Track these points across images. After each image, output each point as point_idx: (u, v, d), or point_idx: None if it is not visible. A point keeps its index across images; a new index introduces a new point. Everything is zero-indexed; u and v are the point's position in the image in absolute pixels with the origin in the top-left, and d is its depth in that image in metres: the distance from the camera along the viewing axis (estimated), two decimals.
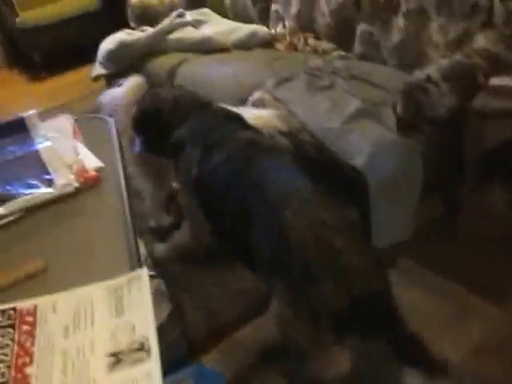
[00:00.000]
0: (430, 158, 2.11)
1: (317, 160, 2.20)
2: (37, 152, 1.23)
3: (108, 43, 3.34)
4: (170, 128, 2.02)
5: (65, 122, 1.38)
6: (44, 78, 4.52)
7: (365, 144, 2.08)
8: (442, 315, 1.98)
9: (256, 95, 2.61)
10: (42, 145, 1.25)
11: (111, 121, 1.41)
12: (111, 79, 3.40)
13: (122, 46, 3.25)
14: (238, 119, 2.04)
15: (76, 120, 1.40)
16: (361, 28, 2.80)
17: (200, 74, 2.97)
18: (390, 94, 2.35)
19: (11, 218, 1.06)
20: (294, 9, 3.18)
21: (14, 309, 0.84)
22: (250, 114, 2.22)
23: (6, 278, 0.91)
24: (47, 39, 4.47)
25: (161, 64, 3.21)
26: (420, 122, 2.07)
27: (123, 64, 3.29)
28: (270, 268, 1.52)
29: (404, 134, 2.11)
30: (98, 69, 3.45)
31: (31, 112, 1.40)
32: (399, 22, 2.57)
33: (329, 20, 2.97)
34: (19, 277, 0.91)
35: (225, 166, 1.78)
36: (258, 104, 2.53)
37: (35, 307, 0.84)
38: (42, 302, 0.85)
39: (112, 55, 3.28)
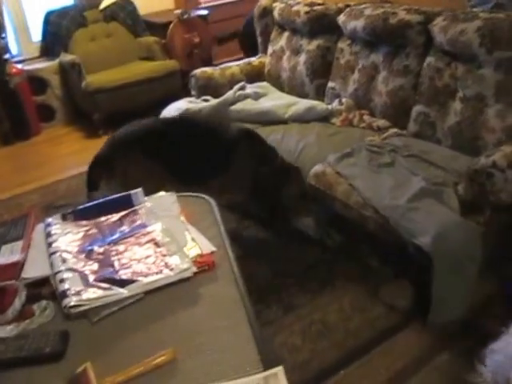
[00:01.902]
0: (489, 238, 2.16)
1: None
2: (149, 232, 1.33)
3: (173, 110, 3.51)
4: None
5: (169, 199, 1.48)
6: (100, 135, 4.73)
7: (430, 224, 2.14)
8: None
9: (318, 168, 2.73)
10: (153, 225, 1.35)
11: (212, 200, 1.49)
12: None
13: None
14: None
15: (178, 198, 1.48)
16: (417, 109, 2.91)
17: None
18: (449, 174, 2.44)
19: (132, 300, 1.14)
20: (351, 87, 3.33)
21: None
22: None
23: (138, 368, 0.96)
24: (108, 100, 4.69)
25: None
26: (483, 206, 2.12)
27: None
28: None
29: (466, 215, 2.17)
30: None
31: (137, 190, 1.49)
32: (456, 105, 2.67)
33: (385, 99, 3.09)
34: (151, 367, 0.96)
35: None
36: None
37: None
38: None
39: None
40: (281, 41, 3.92)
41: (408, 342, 2.22)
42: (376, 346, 2.22)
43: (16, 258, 1.27)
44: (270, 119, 3.36)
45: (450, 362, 2.11)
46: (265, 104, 3.51)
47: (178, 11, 5.29)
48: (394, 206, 2.30)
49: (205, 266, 1.20)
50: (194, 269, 1.18)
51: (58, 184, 3.99)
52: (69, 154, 4.59)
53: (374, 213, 2.36)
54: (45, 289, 1.20)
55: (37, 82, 4.93)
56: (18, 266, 1.25)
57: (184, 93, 4.12)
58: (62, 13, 5.04)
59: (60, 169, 4.27)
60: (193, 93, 3.91)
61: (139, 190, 1.48)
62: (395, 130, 3.02)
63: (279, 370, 0.90)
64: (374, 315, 2.36)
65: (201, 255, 1.22)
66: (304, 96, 3.64)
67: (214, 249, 1.24)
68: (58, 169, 4.27)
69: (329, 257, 2.74)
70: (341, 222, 2.63)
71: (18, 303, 1.13)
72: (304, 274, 2.68)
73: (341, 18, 3.35)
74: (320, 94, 3.59)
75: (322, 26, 3.53)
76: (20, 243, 1.33)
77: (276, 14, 3.91)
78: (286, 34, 3.88)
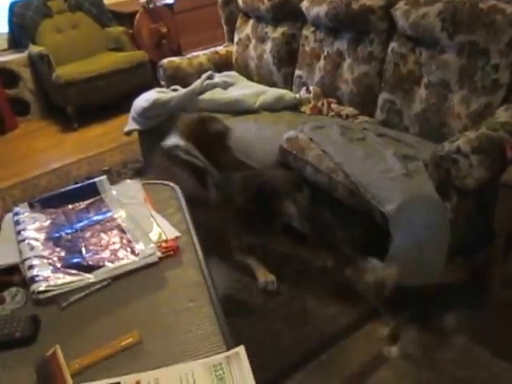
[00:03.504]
0: (457, 225, 2.20)
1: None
2: (115, 219, 1.36)
3: (142, 101, 3.51)
4: None
5: (134, 187, 1.50)
6: (75, 129, 4.73)
7: (397, 192, 2.19)
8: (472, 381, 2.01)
9: (292, 133, 2.77)
10: (118, 212, 1.38)
11: (178, 187, 1.52)
12: (143, 134, 3.59)
13: (156, 104, 3.42)
14: None
15: (143, 185, 1.51)
16: (383, 96, 2.95)
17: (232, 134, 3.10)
18: (420, 151, 2.48)
19: (99, 286, 1.17)
20: (317, 75, 3.37)
21: (118, 383, 0.90)
22: None
23: (106, 350, 0.99)
24: (79, 93, 4.66)
25: None
26: (449, 192, 2.16)
27: (156, 121, 3.46)
28: None
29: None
30: (131, 124, 3.62)
31: (102, 177, 1.51)
32: (421, 92, 2.71)
33: (351, 87, 3.14)
34: (117, 349, 0.99)
35: None
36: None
37: (138, 383, 0.90)
38: (145, 377, 0.90)
39: (146, 112, 3.45)
40: (246, 29, 3.92)
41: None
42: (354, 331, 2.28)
43: None
44: (239, 108, 3.38)
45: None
46: (233, 93, 3.53)
47: (144, 0, 5.25)
48: (364, 173, 2.34)
49: (170, 251, 1.24)
50: (159, 254, 1.21)
51: (38, 178, 3.99)
52: (46, 148, 4.57)
53: (344, 178, 2.40)
54: (15, 276, 1.22)
55: (7, 75, 4.87)
56: None
57: (155, 83, 4.12)
58: (26, 3, 4.96)
59: (39, 163, 4.26)
60: (162, 83, 3.91)
61: (104, 177, 1.50)
62: (365, 118, 3.06)
63: (241, 349, 0.93)
64: (351, 302, 2.39)
65: (165, 241, 1.25)
66: (272, 85, 3.67)
67: (178, 234, 1.28)
68: (36, 163, 4.27)
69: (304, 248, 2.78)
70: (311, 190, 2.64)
71: None
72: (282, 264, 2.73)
73: (304, 4, 3.36)
74: (288, 83, 3.62)
75: (286, 12, 3.54)
76: None
77: (240, 1, 3.90)
78: (251, 21, 3.88)
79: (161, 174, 2.96)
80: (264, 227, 2.56)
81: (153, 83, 4.33)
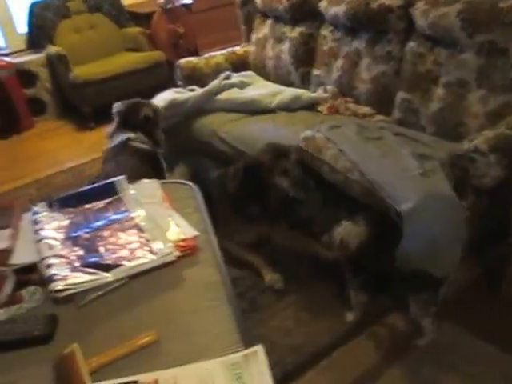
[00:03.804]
0: (472, 224, 2.18)
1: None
2: (133, 218, 1.36)
3: (159, 100, 3.52)
4: None
5: (152, 186, 1.51)
6: (91, 128, 4.77)
7: (413, 192, 2.15)
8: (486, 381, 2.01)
9: (308, 132, 2.76)
10: (137, 211, 1.38)
11: (195, 187, 1.52)
12: None
13: (173, 104, 3.43)
14: None
15: (161, 184, 1.51)
16: (400, 96, 2.93)
17: (248, 133, 3.11)
18: (436, 150, 2.45)
19: (117, 285, 1.17)
20: (335, 74, 3.35)
21: (135, 382, 0.90)
22: None
23: (123, 348, 1.00)
24: (96, 93, 4.70)
25: (207, 123, 3.37)
26: (466, 191, 2.14)
27: (172, 121, 3.47)
28: None
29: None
30: None
31: (120, 177, 1.52)
32: (439, 91, 2.69)
33: (369, 86, 3.12)
34: (135, 347, 1.00)
35: None
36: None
37: (156, 381, 0.89)
38: (163, 375, 0.90)
39: (163, 112, 3.46)
40: (264, 29, 3.92)
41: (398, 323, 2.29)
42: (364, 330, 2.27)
43: (4, 245, 1.30)
44: (255, 109, 3.38)
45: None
46: (250, 93, 3.53)
47: (161, 1, 5.28)
48: (380, 172, 2.32)
49: (187, 250, 1.24)
50: (177, 253, 1.21)
51: (53, 177, 4.03)
52: (61, 147, 4.61)
53: (360, 177, 2.37)
54: (33, 275, 1.23)
55: (25, 76, 4.92)
56: (7, 253, 1.28)
57: (171, 83, 4.13)
58: (46, 4, 5.02)
59: (54, 162, 4.29)
60: (179, 83, 3.92)
61: (122, 177, 1.51)
62: (381, 117, 3.04)
63: (259, 347, 0.93)
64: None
65: (183, 240, 1.25)
66: (290, 84, 3.66)
67: (196, 233, 1.27)
68: (52, 162, 4.29)
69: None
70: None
71: (7, 289, 1.16)
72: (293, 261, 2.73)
73: (322, 4, 3.35)
74: (305, 82, 3.60)
75: (304, 12, 3.53)
76: (7, 231, 1.36)
77: (258, 1, 3.90)
78: (269, 21, 3.88)
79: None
80: (264, 215, 2.59)
81: (169, 83, 4.34)
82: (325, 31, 3.42)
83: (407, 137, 2.68)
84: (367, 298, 2.26)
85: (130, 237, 1.29)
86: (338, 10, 3.19)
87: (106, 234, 1.31)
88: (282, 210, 2.60)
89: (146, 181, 1.55)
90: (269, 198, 2.58)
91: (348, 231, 2.22)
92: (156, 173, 2.61)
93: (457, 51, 2.60)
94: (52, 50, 4.84)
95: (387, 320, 2.30)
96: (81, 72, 4.67)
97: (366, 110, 3.13)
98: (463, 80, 2.57)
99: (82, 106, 4.79)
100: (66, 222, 1.38)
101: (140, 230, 1.31)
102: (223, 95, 3.49)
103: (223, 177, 2.76)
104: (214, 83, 3.53)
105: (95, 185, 1.53)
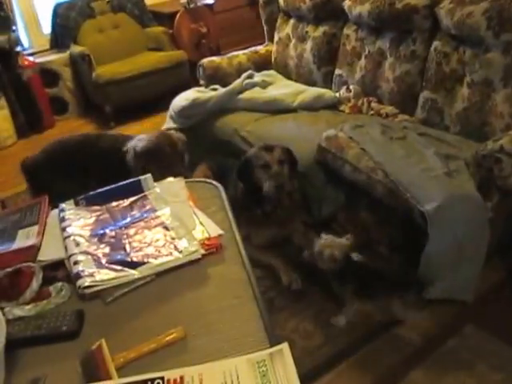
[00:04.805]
0: (496, 225, 2.18)
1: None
2: (158, 217, 1.37)
3: (181, 100, 3.55)
4: None
5: (178, 185, 1.51)
6: (112, 127, 4.80)
7: (438, 192, 2.15)
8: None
9: (331, 132, 2.75)
10: (162, 210, 1.39)
11: (220, 186, 1.53)
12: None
13: (195, 103, 3.45)
14: None
15: (186, 183, 1.52)
16: (424, 95, 2.92)
17: (270, 133, 3.12)
18: (461, 150, 2.45)
19: (143, 282, 1.18)
20: (358, 74, 3.35)
21: (161, 378, 0.89)
22: None
23: (150, 345, 1.00)
24: (118, 92, 4.75)
25: (229, 122, 3.39)
26: (491, 192, 2.13)
27: (194, 120, 3.49)
28: None
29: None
30: (169, 123, 3.66)
31: (147, 175, 1.52)
32: (464, 91, 2.68)
33: (392, 86, 3.11)
34: (161, 344, 1.00)
35: None
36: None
37: (182, 378, 0.89)
38: (189, 372, 0.90)
39: (185, 111, 3.49)
40: (286, 28, 3.93)
41: (416, 325, 2.26)
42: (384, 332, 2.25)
43: (32, 241, 1.31)
44: (278, 108, 3.39)
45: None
46: (272, 92, 3.54)
47: (184, 0, 5.31)
48: (404, 172, 2.32)
49: (212, 249, 1.24)
50: (202, 251, 1.21)
51: None
52: None
53: (384, 177, 2.38)
54: (60, 271, 1.24)
55: (48, 75, 4.99)
56: (34, 250, 1.29)
57: (193, 83, 4.16)
58: (71, 4, 5.09)
59: None
60: (201, 82, 3.94)
61: (149, 175, 1.52)
62: (405, 116, 3.03)
63: (284, 346, 0.93)
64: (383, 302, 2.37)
65: (208, 238, 1.25)
66: (312, 84, 3.67)
67: (221, 232, 1.28)
68: None
69: None
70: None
71: (35, 284, 1.18)
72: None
73: (346, 4, 3.36)
74: (328, 82, 3.61)
75: (327, 12, 3.55)
76: (35, 228, 1.37)
77: (281, 0, 3.91)
78: (292, 21, 3.90)
79: None
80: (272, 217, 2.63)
81: (191, 83, 4.38)
82: (348, 31, 3.43)
83: (431, 137, 2.67)
84: (359, 303, 2.24)
85: (155, 235, 1.29)
86: (362, 9, 3.19)
87: (131, 231, 1.32)
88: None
89: (171, 179, 1.55)
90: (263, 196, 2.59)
91: (328, 243, 2.21)
92: None
93: (482, 50, 2.59)
94: (75, 49, 4.90)
95: (409, 322, 2.27)
96: (104, 71, 4.72)
97: (389, 109, 3.13)
98: (488, 79, 2.56)
99: (103, 106, 4.83)
100: (93, 220, 1.39)
101: (165, 228, 1.31)
102: (245, 94, 3.51)
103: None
104: (237, 82, 3.55)
105: (121, 183, 1.54)
